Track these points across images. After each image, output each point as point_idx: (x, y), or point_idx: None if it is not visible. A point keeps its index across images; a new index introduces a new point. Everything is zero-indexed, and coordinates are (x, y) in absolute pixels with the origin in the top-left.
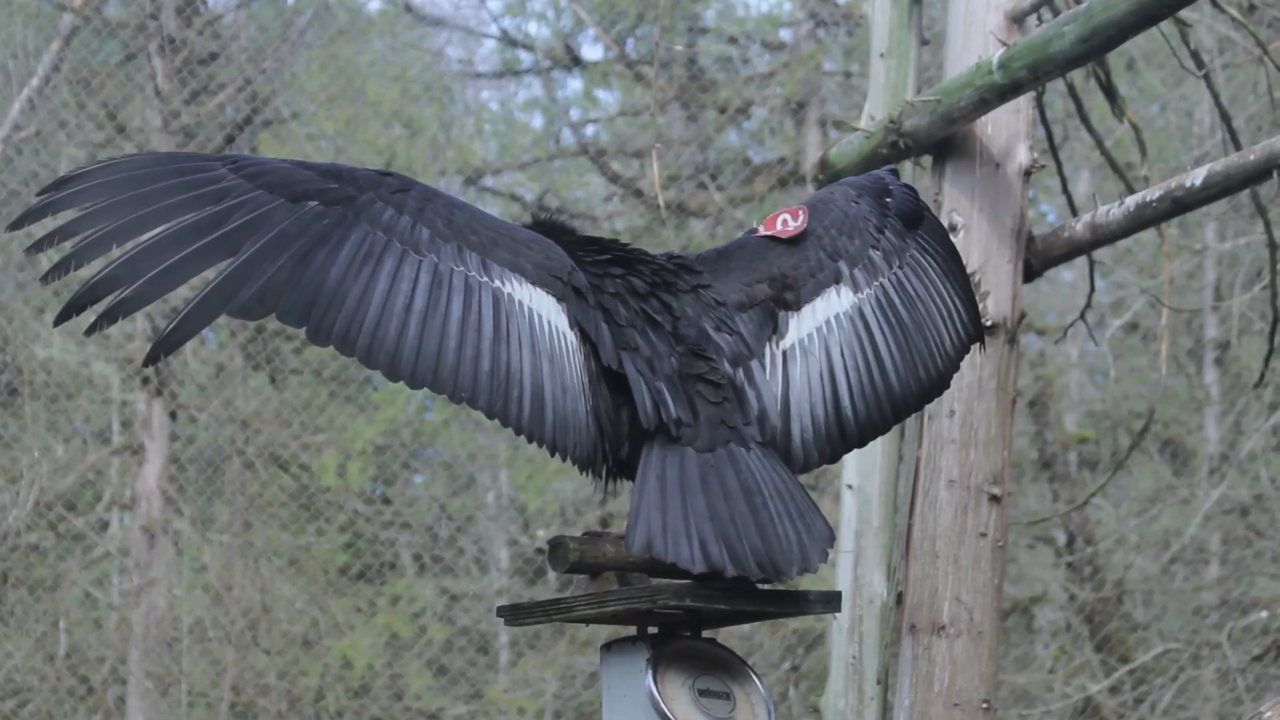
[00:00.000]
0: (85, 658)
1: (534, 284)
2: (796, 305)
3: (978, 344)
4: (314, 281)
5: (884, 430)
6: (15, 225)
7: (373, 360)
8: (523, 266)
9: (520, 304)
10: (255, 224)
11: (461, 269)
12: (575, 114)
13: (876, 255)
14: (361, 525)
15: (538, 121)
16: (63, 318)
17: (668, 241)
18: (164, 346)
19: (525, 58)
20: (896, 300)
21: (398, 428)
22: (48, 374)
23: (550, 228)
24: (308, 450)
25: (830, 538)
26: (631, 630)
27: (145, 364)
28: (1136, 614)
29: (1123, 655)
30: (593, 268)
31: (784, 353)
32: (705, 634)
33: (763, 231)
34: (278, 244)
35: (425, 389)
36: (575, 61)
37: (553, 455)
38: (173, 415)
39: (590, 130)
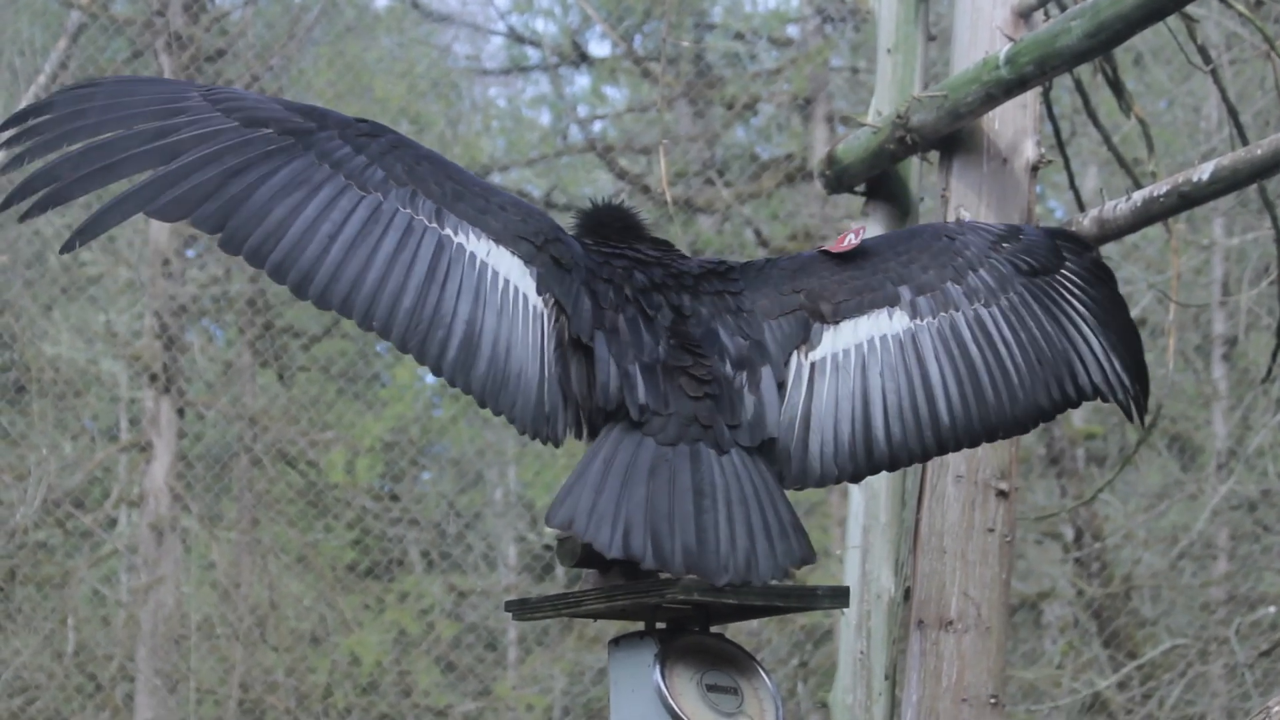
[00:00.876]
0: (93, 655)
1: (496, 241)
2: (834, 319)
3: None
4: (238, 196)
5: (923, 458)
6: (9, 122)
7: (281, 277)
8: (487, 224)
9: (471, 255)
10: (199, 139)
11: (407, 211)
12: (583, 110)
13: (955, 289)
14: (370, 522)
15: (545, 118)
16: (7, 204)
17: (675, 238)
18: (80, 236)
19: (533, 54)
20: (968, 335)
21: (406, 424)
22: (55, 371)
23: (606, 217)
24: (316, 447)
25: (800, 557)
26: (640, 625)
27: (61, 252)
28: (1144, 609)
29: (1131, 651)
30: (602, 255)
31: (812, 364)
32: (713, 629)
33: (826, 247)
34: (212, 159)
35: (334, 311)
36: (583, 58)
37: (482, 407)
38: (181, 412)
39: (598, 127)
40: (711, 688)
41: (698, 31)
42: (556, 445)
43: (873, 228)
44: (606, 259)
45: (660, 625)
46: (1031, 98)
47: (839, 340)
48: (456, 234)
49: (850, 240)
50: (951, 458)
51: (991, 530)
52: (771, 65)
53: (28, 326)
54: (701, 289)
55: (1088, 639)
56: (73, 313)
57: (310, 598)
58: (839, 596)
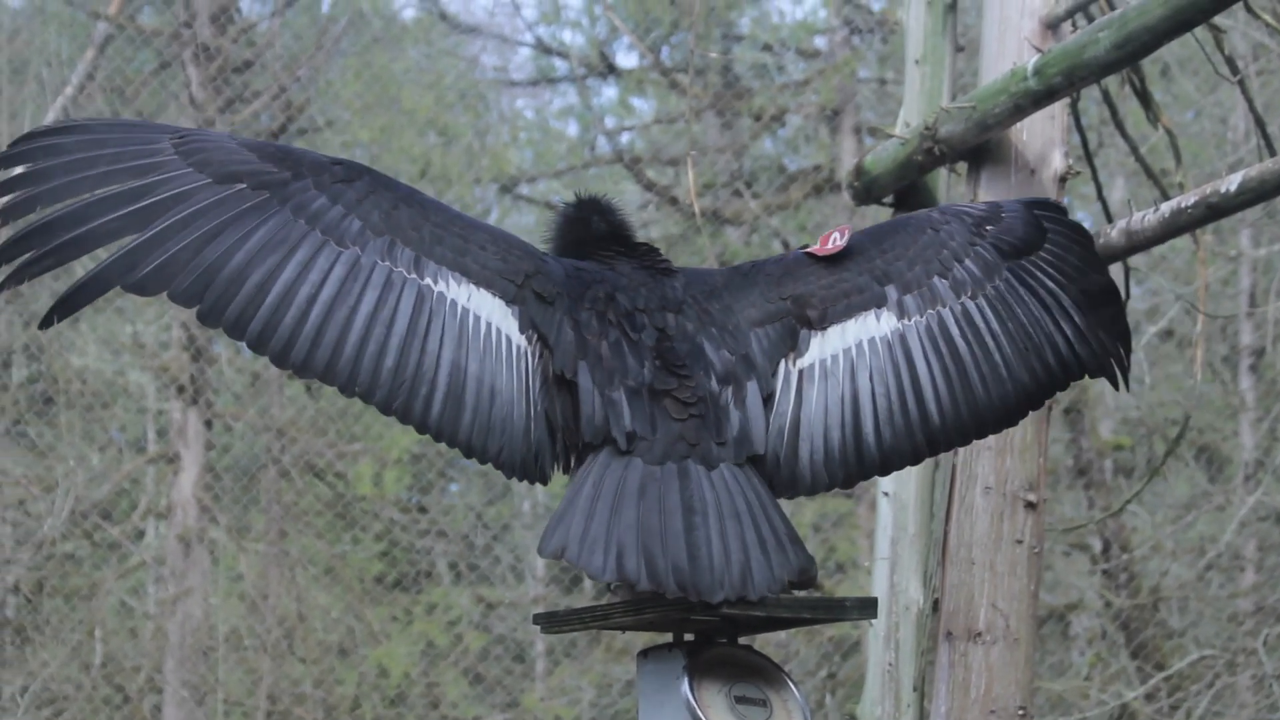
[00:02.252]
0: (121, 667)
1: (477, 284)
2: (821, 324)
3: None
4: (215, 264)
5: (914, 460)
6: None
7: (263, 347)
8: (466, 266)
9: (452, 303)
10: (172, 201)
11: (386, 264)
12: (610, 122)
13: (941, 283)
14: (397, 534)
15: (573, 129)
16: None
17: (703, 249)
18: (59, 311)
19: (560, 65)
20: (956, 331)
21: None
22: (83, 383)
23: (588, 224)
24: (343, 459)
25: (799, 568)
26: (668, 637)
27: (41, 327)
28: (1172, 621)
29: (1158, 662)
30: (583, 281)
31: (800, 371)
32: (741, 641)
33: (811, 249)
34: (187, 223)
35: (315, 379)
36: (610, 69)
37: (467, 457)
38: (208, 424)
39: (625, 138)
40: (740, 699)
41: (725, 43)
42: (544, 484)
43: None
44: (588, 285)
45: (688, 637)
46: (1059, 109)
47: (827, 346)
48: (437, 282)
49: (836, 241)
50: (980, 470)
51: (1020, 542)
52: (799, 76)
53: (55, 338)
54: (686, 304)
55: (1115, 650)
56: (100, 324)
57: (338, 609)
58: (867, 608)
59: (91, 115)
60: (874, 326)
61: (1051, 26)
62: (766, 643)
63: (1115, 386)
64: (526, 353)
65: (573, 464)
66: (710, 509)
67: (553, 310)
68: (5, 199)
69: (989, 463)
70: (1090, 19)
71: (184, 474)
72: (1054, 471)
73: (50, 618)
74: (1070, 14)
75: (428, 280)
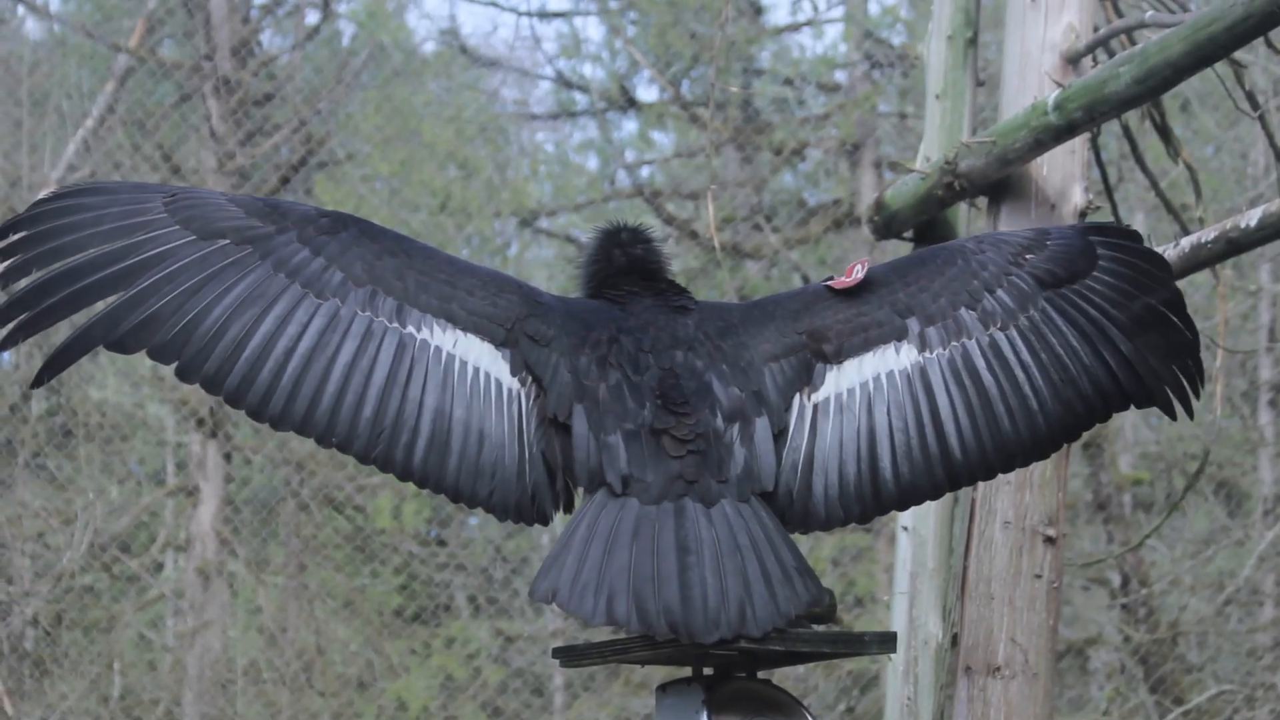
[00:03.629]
0: (139, 699)
1: (464, 329)
2: (837, 358)
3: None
4: (194, 320)
5: (934, 495)
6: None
7: (239, 401)
8: (452, 312)
9: (436, 350)
10: (156, 259)
11: (366, 314)
12: (630, 155)
13: (969, 315)
14: (416, 567)
15: (593, 163)
16: None
17: (723, 283)
18: (48, 371)
19: (580, 99)
20: (981, 364)
21: None
22: (102, 415)
23: (611, 250)
24: (362, 492)
25: (808, 600)
26: (687, 671)
27: (32, 386)
28: (1191, 656)
29: (1177, 697)
30: (586, 324)
31: (815, 406)
32: (760, 675)
33: (830, 282)
34: (169, 280)
35: (291, 431)
36: (630, 103)
37: (455, 501)
38: (227, 457)
39: (645, 172)
40: None
41: (746, 77)
42: (544, 524)
43: None
44: (591, 326)
45: (707, 671)
46: (1080, 143)
47: (842, 380)
48: (420, 330)
49: (857, 273)
50: (999, 504)
51: (1039, 576)
52: (819, 111)
53: (74, 370)
54: (697, 342)
55: (1134, 685)
56: (119, 357)
57: (357, 642)
58: (886, 642)
59: (114, 153)
60: (893, 360)
61: (1072, 61)
62: (785, 677)
63: (1171, 416)
64: (519, 395)
65: (573, 505)
66: (706, 547)
67: (548, 352)
68: (14, 259)
69: (1008, 497)
70: (1111, 54)
71: (203, 507)
72: (1073, 506)
73: (69, 650)
74: (1091, 49)
75: (410, 328)
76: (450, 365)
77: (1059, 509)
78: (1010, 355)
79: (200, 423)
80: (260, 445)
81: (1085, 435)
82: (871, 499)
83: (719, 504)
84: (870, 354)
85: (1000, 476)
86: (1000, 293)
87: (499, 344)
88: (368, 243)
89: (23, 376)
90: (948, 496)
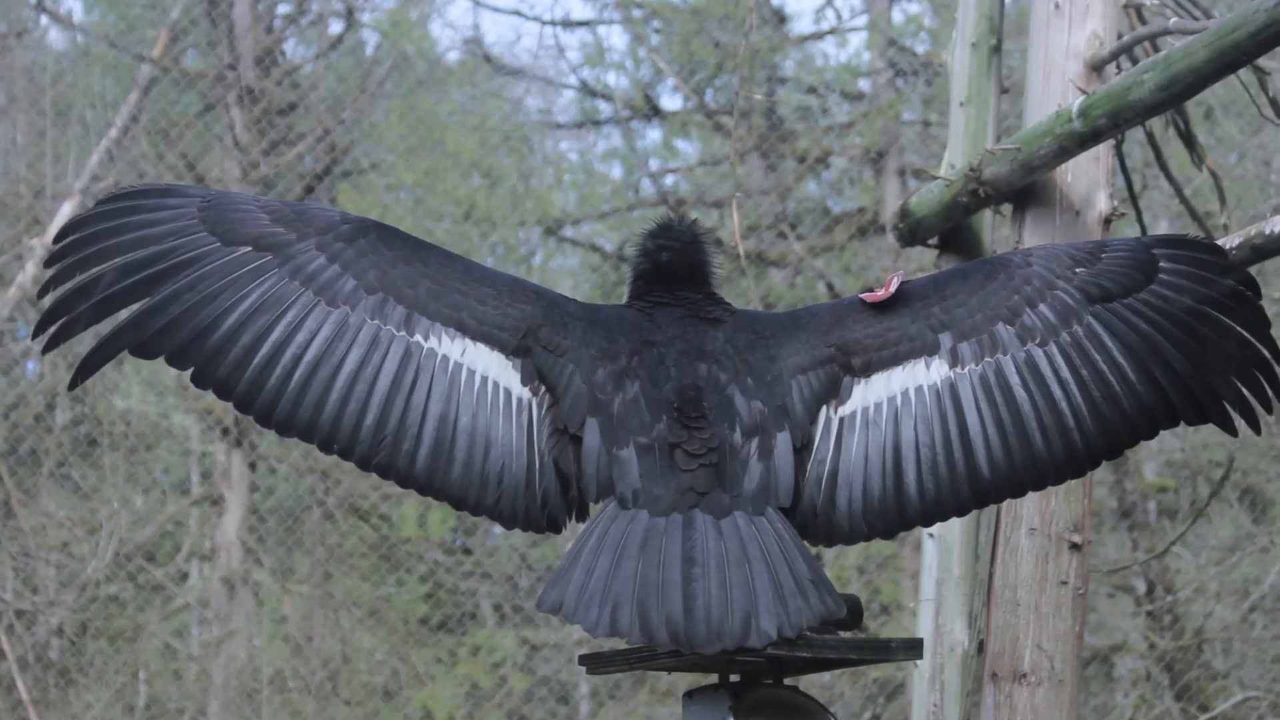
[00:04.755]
0: (165, 709)
1: (473, 338)
2: (865, 372)
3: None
4: (210, 326)
5: (960, 512)
6: (48, 263)
7: (247, 407)
8: (462, 321)
9: (443, 358)
10: (182, 265)
11: (375, 322)
12: (654, 164)
13: (1006, 330)
14: (442, 576)
15: (617, 171)
16: (35, 333)
17: (748, 291)
18: (80, 376)
19: (604, 108)
20: (1015, 380)
21: None
22: (127, 425)
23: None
24: (388, 501)
25: (820, 613)
26: (713, 678)
27: (69, 389)
28: (1216, 662)
29: (1202, 704)
30: (609, 332)
31: (841, 419)
32: (787, 681)
33: (864, 295)
34: (190, 287)
35: (295, 438)
36: (654, 111)
37: (458, 509)
38: (252, 466)
39: (669, 180)
40: None
41: (770, 85)
42: (555, 533)
43: None
44: (614, 337)
45: (734, 678)
46: (1104, 150)
47: (870, 394)
48: (428, 338)
49: (891, 286)
50: (1025, 511)
51: (1064, 583)
52: (843, 119)
53: (99, 380)
54: (724, 355)
55: (1160, 692)
56: (144, 366)
57: (382, 651)
58: (913, 649)
59: (138, 162)
60: (923, 375)
61: (1096, 68)
62: (811, 684)
63: (1231, 433)
64: (530, 404)
65: (574, 509)
66: (713, 558)
67: (563, 362)
68: (65, 261)
69: (1034, 504)
70: (1135, 61)
71: (228, 516)
72: (1098, 513)
73: (94, 660)
74: (1115, 56)
75: (417, 337)
76: (457, 374)
77: (1084, 516)
78: (1048, 372)
79: (225, 432)
80: (285, 454)
81: (1119, 457)
82: (895, 514)
83: (731, 516)
84: (899, 368)
85: (1023, 497)
86: (1042, 308)
87: (509, 353)
88: (384, 250)
89: (47, 386)
90: None
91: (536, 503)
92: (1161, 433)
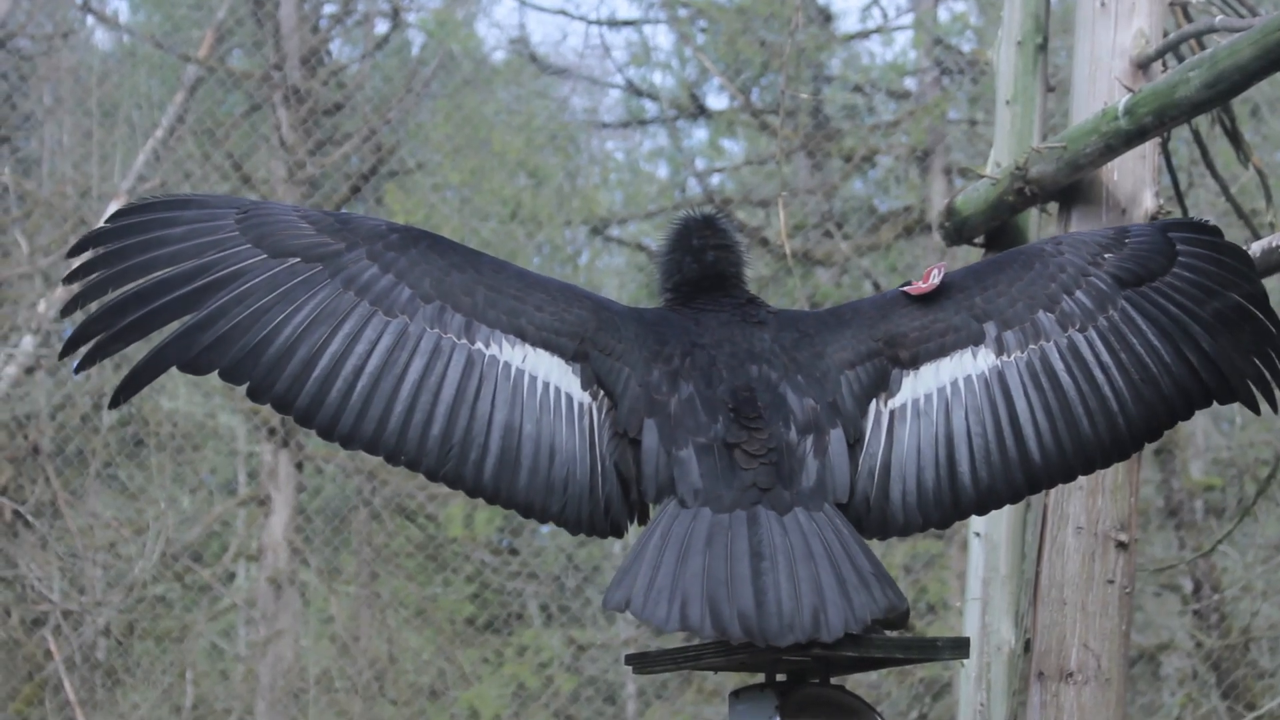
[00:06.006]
0: (212, 709)
1: (533, 344)
2: (914, 364)
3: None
4: (264, 340)
5: (1013, 499)
6: (72, 252)
7: (309, 421)
8: (521, 327)
9: (505, 365)
10: (228, 279)
11: (435, 330)
12: (700, 163)
13: (1046, 318)
14: (488, 576)
15: (663, 171)
16: (65, 352)
17: (794, 290)
18: (124, 392)
19: (650, 107)
20: (1060, 366)
21: None
22: (174, 425)
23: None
24: (434, 501)
25: (885, 606)
26: (759, 677)
27: (110, 407)
28: (1263, 661)
29: (1249, 702)
30: (660, 336)
31: (892, 412)
32: (833, 681)
33: (907, 288)
34: (239, 300)
35: (361, 451)
36: (700, 111)
37: (526, 516)
38: (299, 466)
39: (716, 179)
40: None
41: (816, 84)
42: (618, 537)
43: None
44: (665, 340)
45: (780, 677)
46: (1150, 149)
47: (919, 385)
48: (489, 345)
49: (934, 279)
50: (1071, 510)
51: (1111, 582)
52: (890, 117)
53: None
54: (773, 354)
55: (1206, 691)
56: None
57: (429, 651)
58: (959, 648)
59: (184, 162)
60: (970, 364)
61: (1142, 66)
62: (858, 683)
63: (1255, 410)
64: (591, 409)
65: (635, 512)
66: (780, 553)
67: (619, 365)
68: (81, 283)
69: (1080, 503)
70: (1181, 59)
71: (275, 516)
72: (1145, 512)
73: (141, 660)
74: (1161, 54)
75: (479, 344)
76: (520, 380)
77: (1131, 514)
78: (1089, 356)
79: (272, 432)
80: (332, 454)
81: (1159, 440)
82: (950, 504)
83: (792, 512)
84: (947, 359)
85: (1072, 482)
86: (1079, 294)
87: (569, 358)
88: (436, 258)
89: (94, 387)
90: (1020, 504)
91: (600, 508)
92: (1209, 431)
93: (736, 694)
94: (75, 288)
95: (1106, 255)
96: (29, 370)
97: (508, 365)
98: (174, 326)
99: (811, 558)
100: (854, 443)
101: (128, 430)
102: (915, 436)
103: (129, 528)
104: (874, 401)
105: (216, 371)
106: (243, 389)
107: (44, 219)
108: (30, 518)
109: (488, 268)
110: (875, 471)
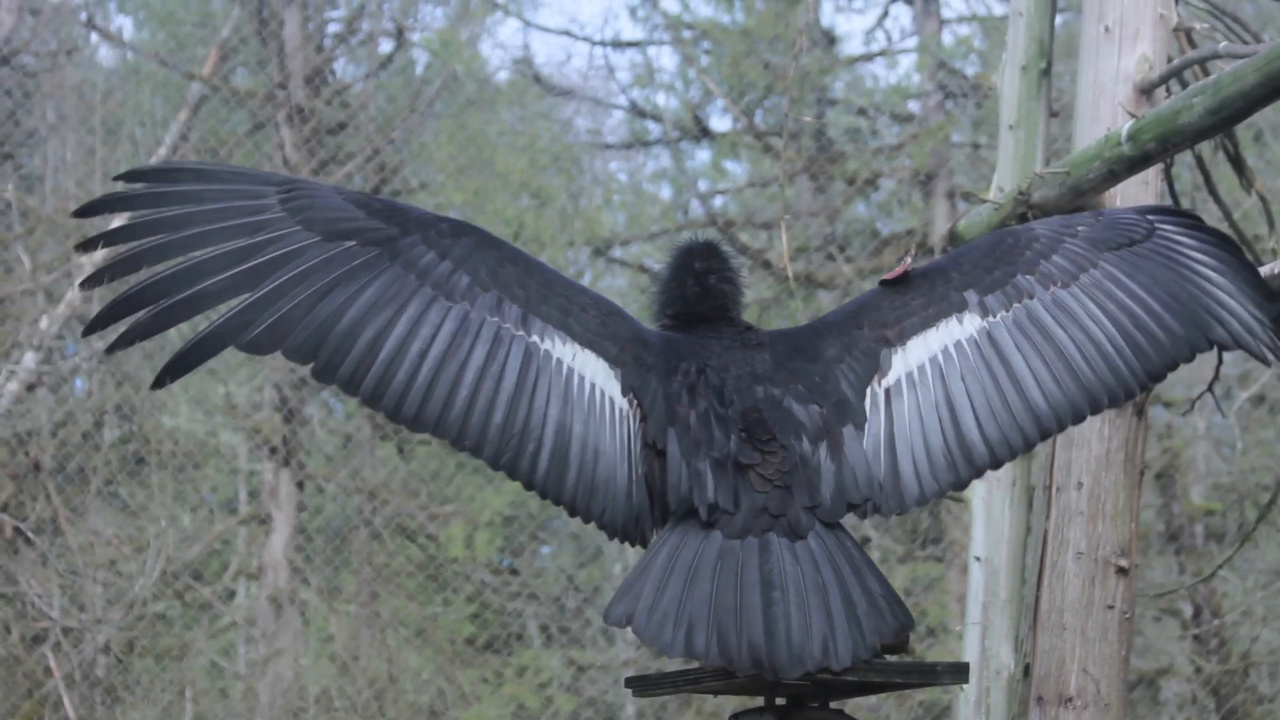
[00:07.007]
0: None
1: (581, 344)
2: (900, 341)
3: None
4: (327, 321)
5: (1025, 448)
6: (80, 213)
7: (376, 402)
8: (570, 326)
9: (558, 361)
10: (282, 260)
11: (495, 319)
12: (703, 185)
13: (1026, 279)
14: (488, 596)
15: (666, 192)
16: (91, 329)
17: (796, 313)
18: (171, 372)
19: (654, 129)
20: (1048, 318)
21: (525, 498)
22: (175, 443)
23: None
24: (435, 521)
25: (896, 628)
26: (759, 701)
27: (153, 387)
28: (1262, 686)
29: None
30: (676, 353)
31: (887, 390)
32: (833, 705)
33: (882, 278)
34: (298, 282)
35: (428, 434)
36: (704, 132)
37: (572, 516)
38: (300, 485)
39: (719, 201)
40: None
41: (819, 107)
42: (644, 546)
43: None
44: (681, 357)
45: (780, 701)
46: (1153, 174)
47: (910, 359)
48: (544, 340)
49: (907, 262)
50: (1072, 535)
51: (1111, 607)
52: (893, 141)
53: (147, 398)
54: (775, 371)
55: (1206, 716)
56: (192, 385)
57: (429, 671)
58: (959, 673)
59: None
60: (957, 330)
61: (1146, 92)
62: (858, 707)
63: (1267, 364)
64: (628, 416)
65: (659, 526)
66: (791, 582)
67: (649, 377)
68: (113, 254)
69: (1080, 528)
70: (1184, 85)
71: (275, 535)
72: (1145, 537)
73: (141, 678)
74: (1165, 79)
75: (534, 338)
76: (570, 379)
77: (1131, 540)
78: (1076, 309)
79: (273, 451)
80: (333, 474)
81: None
82: (965, 463)
83: (805, 538)
84: (933, 329)
85: (1072, 506)
86: (1056, 258)
87: (612, 362)
88: (489, 249)
89: (95, 404)
90: (1021, 526)
91: (632, 515)
92: (1209, 456)
93: (736, 717)
94: (96, 258)
95: (1080, 227)
96: (30, 387)
97: (560, 362)
98: (221, 308)
99: (822, 587)
100: (859, 429)
101: (129, 448)
102: (915, 407)
103: (129, 545)
104: (869, 386)
105: (280, 350)
106: (257, 392)
107: (46, 236)
108: (31, 535)
109: (535, 266)
110: (880, 451)
